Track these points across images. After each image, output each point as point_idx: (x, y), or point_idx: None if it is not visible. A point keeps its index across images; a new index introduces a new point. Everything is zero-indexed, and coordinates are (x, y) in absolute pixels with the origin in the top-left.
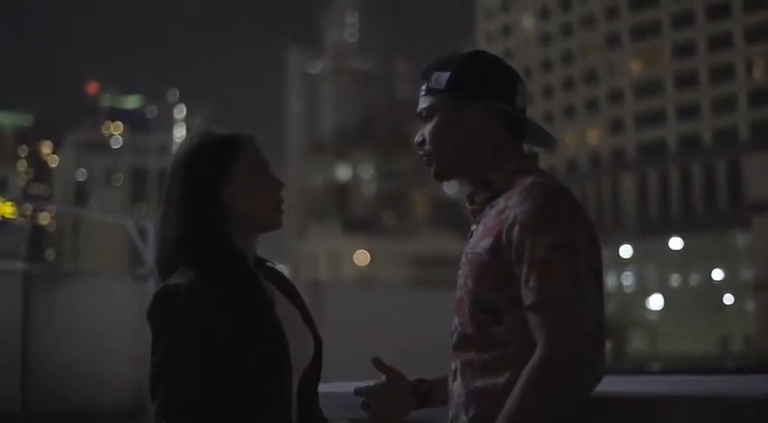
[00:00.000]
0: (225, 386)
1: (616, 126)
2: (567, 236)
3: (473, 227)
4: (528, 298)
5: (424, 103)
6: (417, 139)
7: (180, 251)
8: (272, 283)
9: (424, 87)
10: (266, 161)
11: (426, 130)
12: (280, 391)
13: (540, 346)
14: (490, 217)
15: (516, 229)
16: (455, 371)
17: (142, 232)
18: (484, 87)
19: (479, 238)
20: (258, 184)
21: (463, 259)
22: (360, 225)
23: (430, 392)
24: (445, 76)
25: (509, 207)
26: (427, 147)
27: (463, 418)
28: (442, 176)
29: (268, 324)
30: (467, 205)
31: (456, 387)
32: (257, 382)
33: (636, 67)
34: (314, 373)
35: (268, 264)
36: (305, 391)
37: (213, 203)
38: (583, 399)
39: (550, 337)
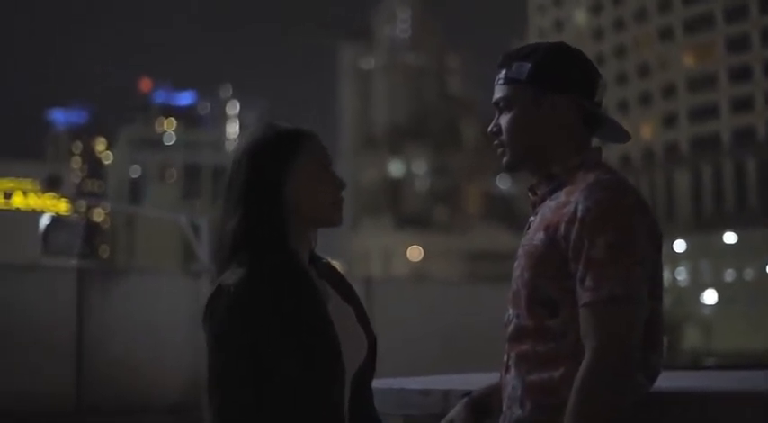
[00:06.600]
0: (275, 390)
1: (669, 120)
2: (624, 237)
3: (531, 218)
4: (583, 297)
5: (501, 92)
6: (492, 128)
7: (235, 246)
8: (326, 281)
9: (501, 76)
10: (329, 158)
11: (503, 120)
12: (331, 392)
13: (590, 351)
14: (549, 210)
15: (576, 226)
16: (508, 362)
17: (196, 229)
18: (566, 81)
19: (536, 229)
20: (319, 181)
21: (520, 251)
22: (413, 221)
23: (488, 411)
24: (527, 66)
25: (570, 202)
26: (503, 137)
27: (518, 411)
28: (513, 168)
29: (318, 324)
30: (529, 195)
31: (510, 379)
32: (308, 384)
33: (689, 60)
34: (368, 371)
35: (324, 260)
36: (359, 390)
37: (275, 197)
38: (637, 396)
39: (600, 341)
